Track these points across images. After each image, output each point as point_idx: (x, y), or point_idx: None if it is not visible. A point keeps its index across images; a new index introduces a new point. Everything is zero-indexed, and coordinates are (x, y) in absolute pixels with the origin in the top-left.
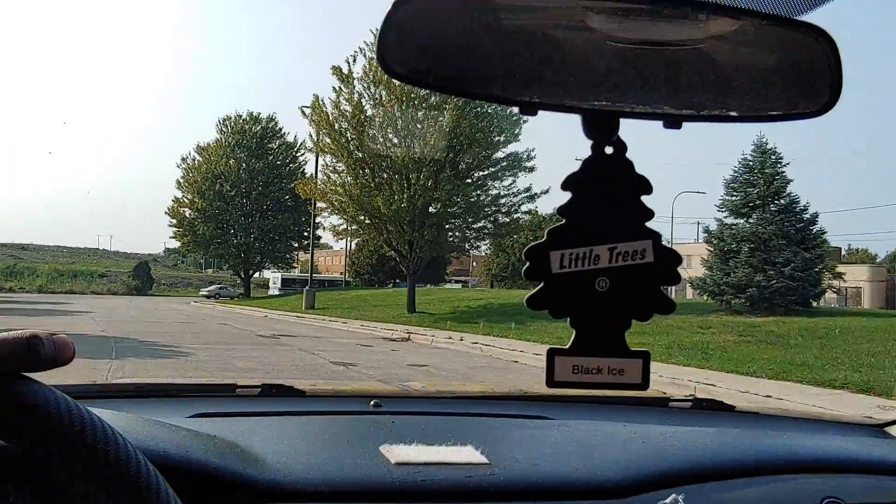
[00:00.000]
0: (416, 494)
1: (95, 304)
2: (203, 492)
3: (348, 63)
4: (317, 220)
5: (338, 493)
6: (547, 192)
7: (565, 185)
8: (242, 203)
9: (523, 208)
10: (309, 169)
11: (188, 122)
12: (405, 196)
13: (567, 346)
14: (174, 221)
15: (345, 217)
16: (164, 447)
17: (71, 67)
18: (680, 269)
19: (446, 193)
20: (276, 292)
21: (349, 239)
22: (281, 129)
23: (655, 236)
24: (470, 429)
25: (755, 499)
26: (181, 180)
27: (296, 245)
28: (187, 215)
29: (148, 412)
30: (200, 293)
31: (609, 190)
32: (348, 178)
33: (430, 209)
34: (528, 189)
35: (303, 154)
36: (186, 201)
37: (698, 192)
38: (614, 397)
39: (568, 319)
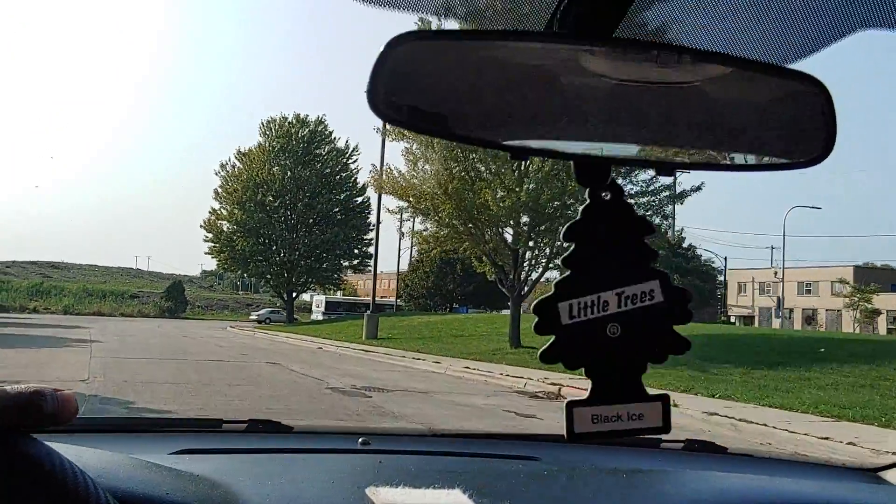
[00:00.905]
0: None
1: (117, 328)
2: None
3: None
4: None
5: None
6: (699, 188)
7: (566, 236)
8: (286, 215)
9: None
10: (363, 178)
11: (233, 138)
12: (523, 189)
13: (585, 397)
14: (210, 236)
15: (435, 219)
16: (143, 489)
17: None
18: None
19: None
20: (320, 317)
21: (435, 248)
22: (331, 133)
23: (662, 276)
24: (459, 470)
25: None
26: (219, 190)
27: (345, 264)
28: (225, 229)
29: (132, 448)
30: (251, 317)
31: (610, 235)
32: (439, 169)
33: (552, 205)
34: (669, 186)
35: (355, 161)
36: (225, 213)
37: (812, 207)
38: (605, 436)
39: (583, 370)
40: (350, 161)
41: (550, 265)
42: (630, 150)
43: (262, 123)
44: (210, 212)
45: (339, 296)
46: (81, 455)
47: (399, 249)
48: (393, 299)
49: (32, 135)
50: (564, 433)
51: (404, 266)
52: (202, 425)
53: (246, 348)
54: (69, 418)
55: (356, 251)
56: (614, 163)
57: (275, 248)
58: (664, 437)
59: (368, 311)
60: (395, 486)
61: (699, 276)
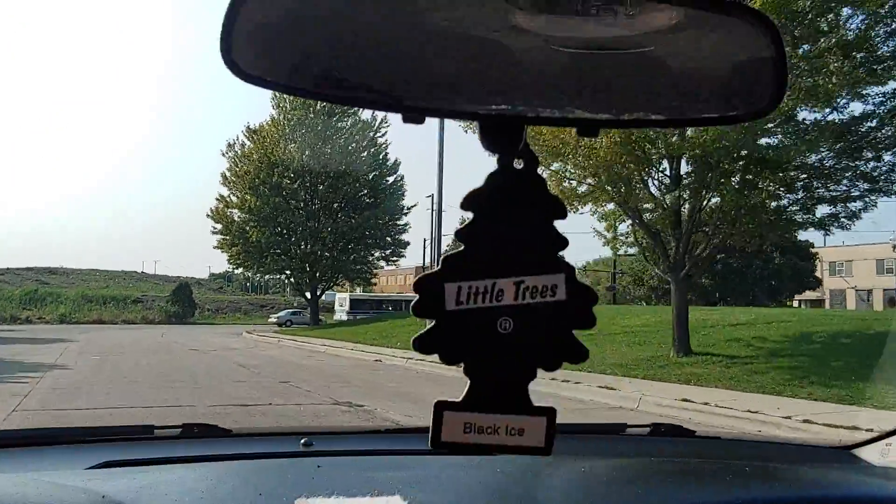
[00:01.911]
0: None
1: (109, 340)
2: None
3: None
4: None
5: None
6: None
7: (465, 204)
8: (306, 200)
9: None
10: (395, 153)
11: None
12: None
13: (459, 399)
14: (219, 227)
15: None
16: None
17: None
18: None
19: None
20: (344, 317)
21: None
22: None
23: (569, 270)
24: (402, 470)
25: None
26: (227, 173)
27: (376, 254)
28: (236, 218)
29: (47, 462)
30: (269, 319)
31: (517, 212)
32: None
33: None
34: None
35: (384, 134)
36: (235, 200)
37: None
38: (568, 425)
39: (461, 366)
40: (378, 135)
41: (733, 233)
42: (546, 107)
43: (275, 94)
44: (218, 199)
45: (359, 292)
46: None
47: (432, 237)
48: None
49: (29, 135)
50: (428, 439)
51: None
52: (132, 433)
53: (279, 367)
54: None
55: (388, 239)
56: (527, 121)
57: (294, 238)
58: (630, 421)
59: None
60: (329, 495)
61: (797, 253)
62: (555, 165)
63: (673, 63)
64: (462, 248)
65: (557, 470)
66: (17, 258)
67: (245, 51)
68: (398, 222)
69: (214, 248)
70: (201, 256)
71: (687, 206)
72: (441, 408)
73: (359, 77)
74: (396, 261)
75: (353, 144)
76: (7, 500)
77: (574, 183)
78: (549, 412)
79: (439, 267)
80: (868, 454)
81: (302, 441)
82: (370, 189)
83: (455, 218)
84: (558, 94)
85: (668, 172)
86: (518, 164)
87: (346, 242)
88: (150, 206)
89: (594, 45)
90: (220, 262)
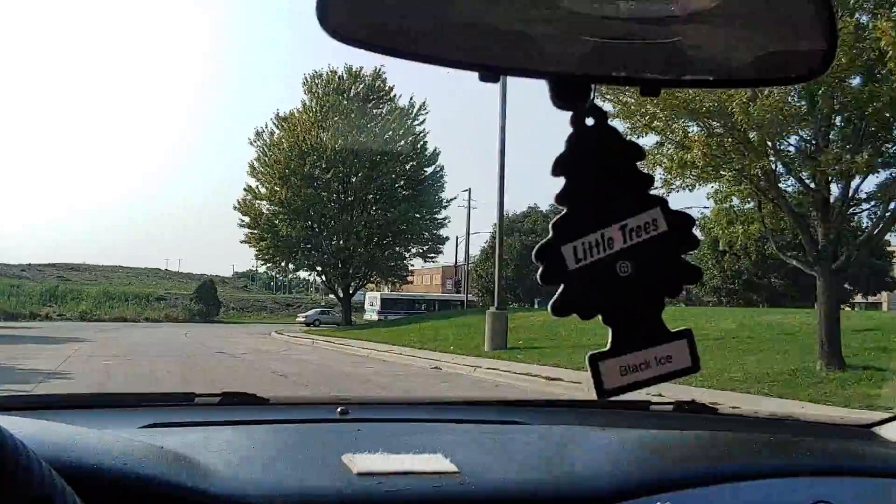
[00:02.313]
0: None
1: (127, 340)
2: None
3: None
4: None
5: None
6: None
7: (556, 171)
8: (339, 191)
9: None
10: (434, 142)
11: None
12: None
13: (607, 348)
14: (246, 220)
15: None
16: (106, 463)
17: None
18: None
19: None
20: (375, 317)
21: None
22: (391, 90)
23: (661, 202)
24: (441, 435)
25: (746, 503)
26: (255, 163)
27: (412, 251)
28: (265, 211)
29: (100, 423)
30: (297, 319)
31: (602, 164)
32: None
33: None
34: None
35: (422, 122)
36: (264, 191)
37: None
38: (594, 401)
39: (600, 317)
40: (416, 123)
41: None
42: (612, 66)
43: (307, 78)
44: (246, 190)
45: (386, 291)
46: (45, 429)
47: (468, 233)
48: (457, 295)
49: (52, 130)
50: (594, 392)
51: (458, 255)
52: (174, 399)
53: (326, 376)
54: None
55: (425, 234)
56: (594, 80)
57: (326, 232)
58: (654, 399)
59: (493, 309)
60: (374, 452)
61: (872, 251)
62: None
63: (730, 24)
64: (564, 211)
65: (587, 438)
66: (39, 254)
67: (336, 13)
68: (437, 216)
69: (242, 242)
70: (225, 254)
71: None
72: (595, 360)
73: (440, 37)
74: (434, 257)
75: (390, 132)
76: (73, 446)
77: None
78: (687, 333)
79: (551, 234)
80: (887, 432)
81: (339, 409)
82: (407, 180)
83: (485, 214)
84: (623, 54)
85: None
86: (589, 121)
87: (381, 237)
88: (175, 202)
89: (658, 7)
90: (243, 261)
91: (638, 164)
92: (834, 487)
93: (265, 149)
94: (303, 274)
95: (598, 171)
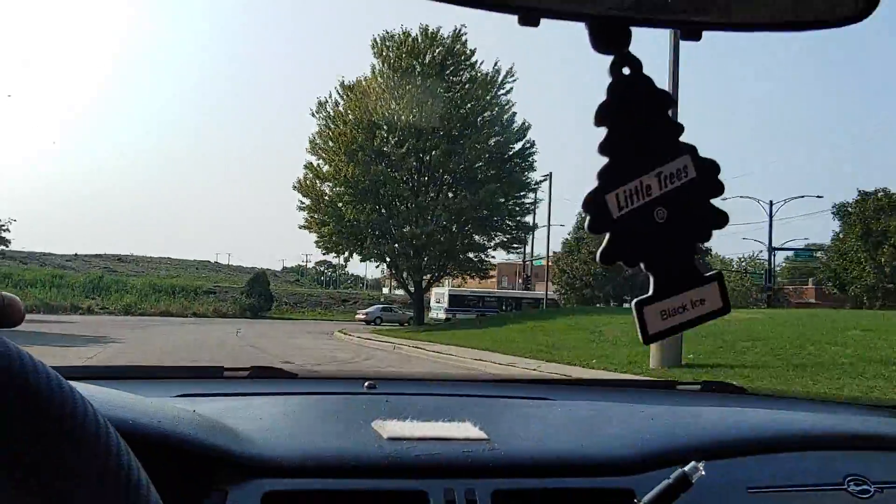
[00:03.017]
0: (410, 469)
1: (164, 341)
2: (182, 467)
3: None
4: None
5: (324, 468)
6: None
7: (599, 121)
8: (413, 169)
9: None
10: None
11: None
12: None
13: (650, 294)
14: (307, 202)
15: None
16: (141, 420)
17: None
18: None
19: None
20: (442, 315)
21: None
22: (472, 54)
23: (691, 149)
24: (468, 408)
25: (774, 476)
26: (317, 138)
27: (496, 240)
28: (329, 192)
29: (135, 392)
30: (357, 316)
31: (638, 112)
32: None
33: None
34: None
35: (508, 91)
36: (327, 171)
37: None
38: (620, 380)
39: (641, 265)
40: (502, 92)
41: None
42: (653, 9)
43: (376, 41)
44: (306, 167)
45: (451, 286)
46: (84, 389)
47: (549, 224)
48: (534, 293)
49: (101, 114)
50: (639, 336)
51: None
52: (204, 373)
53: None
54: (16, 323)
55: (509, 222)
56: (634, 23)
57: (397, 217)
58: (681, 379)
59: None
60: (403, 420)
61: None
62: None
63: None
64: (607, 160)
65: (614, 411)
66: (87, 244)
67: None
68: (524, 200)
69: (301, 227)
70: (275, 249)
71: None
72: (641, 306)
73: None
74: (518, 248)
75: (472, 103)
76: (114, 405)
77: None
78: (718, 276)
79: (597, 184)
80: None
81: (366, 384)
82: (491, 158)
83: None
84: None
85: None
86: (626, 70)
87: (461, 224)
88: (226, 192)
89: None
90: (293, 255)
91: (669, 112)
92: (867, 462)
93: (328, 122)
94: (361, 267)
95: (636, 120)
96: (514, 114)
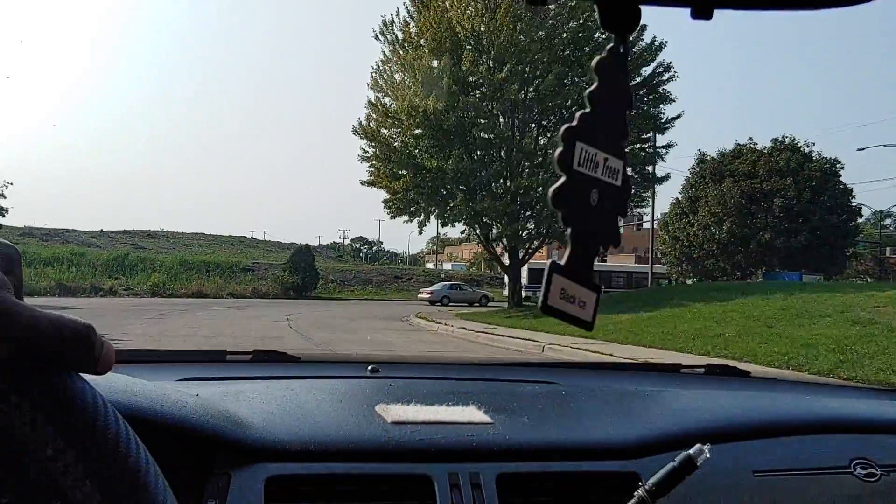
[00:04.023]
0: (414, 453)
1: (193, 329)
2: (185, 452)
3: None
4: None
5: (327, 452)
6: None
7: (594, 70)
8: (516, 101)
9: None
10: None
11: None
12: None
13: (563, 262)
14: (370, 151)
15: None
16: (144, 405)
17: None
18: None
19: None
20: (522, 294)
21: None
22: None
23: (626, 158)
24: (472, 391)
25: (780, 459)
26: (380, 66)
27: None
28: (396, 139)
29: (137, 376)
30: (420, 295)
31: (618, 93)
32: None
33: None
34: None
35: None
36: (396, 108)
37: None
38: (624, 363)
39: (569, 230)
40: None
41: None
42: None
43: None
44: (370, 105)
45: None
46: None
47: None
48: (636, 266)
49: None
50: (539, 302)
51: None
52: (206, 357)
53: None
54: (108, 368)
55: (638, 170)
56: (643, 2)
57: (494, 164)
58: (685, 362)
59: None
60: (407, 404)
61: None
62: None
63: None
64: (588, 109)
65: (617, 395)
66: (114, 220)
67: None
68: (643, 146)
69: (364, 183)
70: (311, 225)
71: None
72: (553, 269)
73: None
74: (642, 206)
75: (586, 14)
76: (120, 388)
77: None
78: (597, 289)
79: (576, 123)
80: None
81: (369, 367)
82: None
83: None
84: None
85: None
86: (622, 49)
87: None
88: (260, 165)
89: None
90: (330, 231)
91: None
92: (871, 445)
93: (396, 45)
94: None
95: (615, 97)
96: (644, 27)
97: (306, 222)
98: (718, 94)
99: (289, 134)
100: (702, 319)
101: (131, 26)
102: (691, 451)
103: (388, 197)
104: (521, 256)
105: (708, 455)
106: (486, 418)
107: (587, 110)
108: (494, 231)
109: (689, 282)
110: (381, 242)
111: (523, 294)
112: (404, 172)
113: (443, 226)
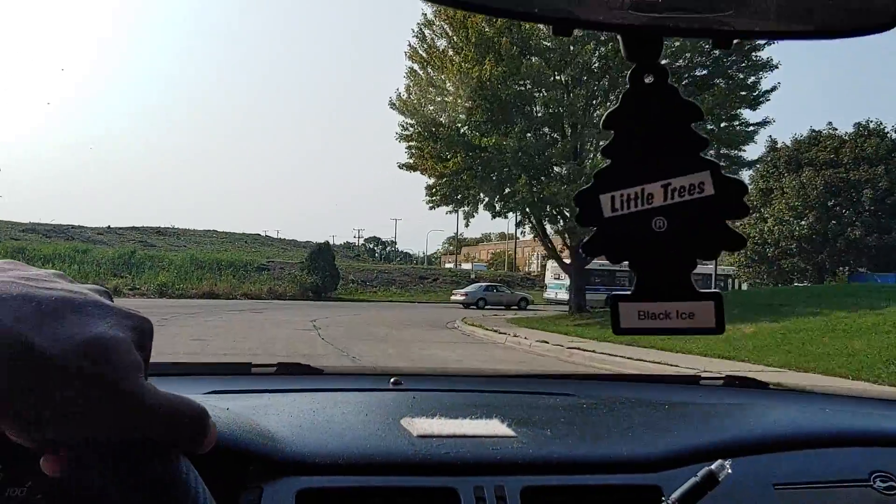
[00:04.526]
0: (440, 467)
1: (194, 340)
2: (218, 466)
3: None
4: None
5: (356, 465)
6: None
7: (606, 124)
8: (585, 69)
9: None
10: None
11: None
12: None
13: (630, 292)
14: (411, 129)
15: None
16: None
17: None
18: None
19: None
20: (563, 296)
21: None
22: None
23: (713, 166)
24: (495, 404)
25: (799, 472)
26: (421, 30)
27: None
28: (442, 114)
29: (165, 388)
30: (453, 297)
31: (655, 122)
32: None
33: None
34: None
35: None
36: (439, 80)
37: None
38: (644, 375)
39: (627, 263)
40: None
41: None
42: (684, 18)
43: None
44: (409, 73)
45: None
46: None
47: None
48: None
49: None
50: (612, 327)
51: None
52: (231, 369)
53: None
54: (211, 446)
55: (724, 152)
56: (666, 33)
57: (558, 145)
58: (704, 373)
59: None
60: (431, 417)
61: None
62: None
63: None
64: (609, 163)
65: (637, 408)
66: (122, 216)
67: None
68: (735, 122)
69: (401, 166)
70: (325, 224)
71: None
72: (616, 300)
73: None
74: None
75: None
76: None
77: None
78: (717, 296)
79: (592, 182)
80: None
81: (392, 380)
82: (702, 55)
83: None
84: (696, 7)
85: None
86: (648, 79)
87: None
88: (274, 163)
89: None
90: (344, 232)
91: (694, 125)
92: (891, 458)
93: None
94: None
95: (650, 129)
96: None
97: (320, 221)
98: (789, 76)
99: (303, 130)
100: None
101: (145, 18)
102: (713, 466)
103: (433, 182)
104: (582, 257)
105: (729, 471)
106: (509, 432)
107: (605, 165)
108: (562, 222)
109: (744, 286)
110: (395, 242)
111: (564, 297)
112: (452, 154)
113: (495, 216)
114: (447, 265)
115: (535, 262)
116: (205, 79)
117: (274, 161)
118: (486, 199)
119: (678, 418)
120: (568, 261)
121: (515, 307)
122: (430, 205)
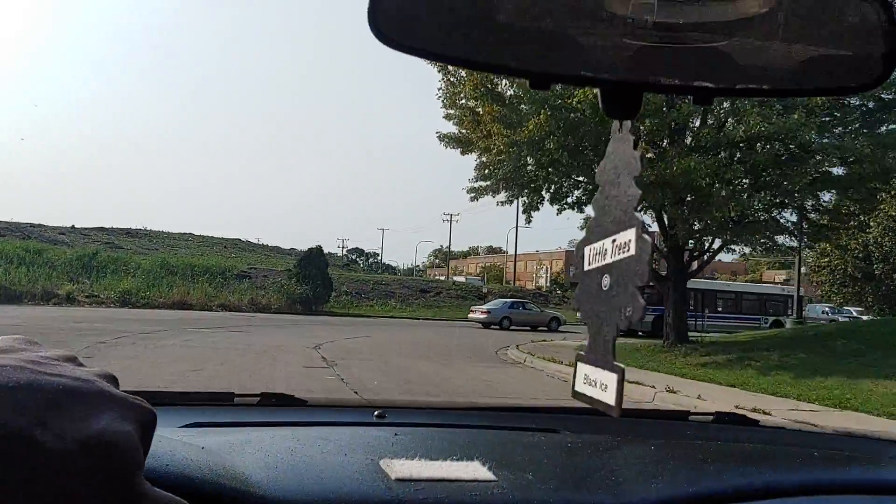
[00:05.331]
0: None
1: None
2: None
3: None
4: None
5: None
6: None
7: (596, 177)
8: None
9: None
10: None
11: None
12: None
13: (584, 352)
14: (459, 88)
15: None
16: (150, 464)
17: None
18: None
19: None
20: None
21: None
22: None
23: (639, 223)
24: (478, 442)
25: None
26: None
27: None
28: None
29: None
30: (471, 315)
31: (621, 177)
32: None
33: None
34: None
35: None
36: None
37: None
38: (633, 410)
39: (587, 324)
40: None
41: None
42: (664, 75)
43: None
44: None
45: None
46: None
47: None
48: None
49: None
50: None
51: None
52: (213, 399)
53: None
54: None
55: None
56: (646, 88)
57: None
58: (693, 409)
59: None
60: (412, 458)
61: None
62: None
63: (784, 30)
64: (594, 215)
65: (624, 448)
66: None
67: (388, 17)
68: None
69: (442, 140)
70: (307, 232)
71: None
72: (578, 359)
73: (490, 43)
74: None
75: None
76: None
77: None
78: (619, 371)
79: (585, 234)
80: None
81: (375, 413)
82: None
83: None
84: (675, 62)
85: None
86: (632, 135)
87: (765, 159)
88: (254, 167)
89: (709, 13)
90: (329, 240)
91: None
92: None
93: None
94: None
95: (619, 184)
96: None
97: (301, 230)
98: None
99: (286, 132)
100: None
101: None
102: None
103: (487, 159)
104: (686, 262)
105: None
106: (489, 475)
107: (592, 217)
108: (667, 220)
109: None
110: (378, 254)
111: None
112: (534, 111)
113: (562, 210)
114: (440, 277)
115: (545, 276)
116: (185, 77)
117: (256, 166)
118: (582, 177)
119: (664, 460)
120: (664, 272)
121: (545, 328)
122: (474, 195)
